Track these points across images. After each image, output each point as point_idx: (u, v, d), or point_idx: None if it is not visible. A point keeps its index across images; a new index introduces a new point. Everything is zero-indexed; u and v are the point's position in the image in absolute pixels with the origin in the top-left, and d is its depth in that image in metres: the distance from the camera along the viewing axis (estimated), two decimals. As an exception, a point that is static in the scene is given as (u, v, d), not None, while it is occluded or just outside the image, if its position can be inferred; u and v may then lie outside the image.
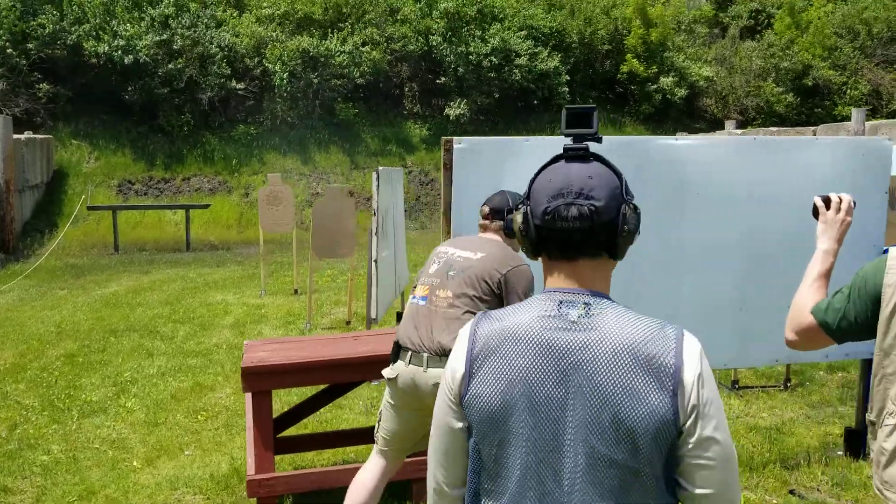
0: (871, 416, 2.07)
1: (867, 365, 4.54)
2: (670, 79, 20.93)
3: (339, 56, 19.17)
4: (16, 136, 13.90)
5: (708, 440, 1.31)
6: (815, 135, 12.53)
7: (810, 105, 21.93)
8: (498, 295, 2.96)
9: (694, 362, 1.32)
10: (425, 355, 2.92)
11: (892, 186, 6.96)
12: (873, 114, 21.48)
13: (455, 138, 3.83)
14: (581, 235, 1.35)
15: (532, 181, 1.42)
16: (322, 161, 18.52)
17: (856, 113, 12.12)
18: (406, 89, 21.57)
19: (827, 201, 2.24)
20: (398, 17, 20.94)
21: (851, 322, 2.03)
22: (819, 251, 2.21)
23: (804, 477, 4.26)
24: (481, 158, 3.86)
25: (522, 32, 20.53)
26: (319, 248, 7.75)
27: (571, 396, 1.32)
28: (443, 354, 2.87)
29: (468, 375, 1.39)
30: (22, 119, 16.14)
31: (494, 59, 19.84)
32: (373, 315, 6.07)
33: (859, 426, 4.60)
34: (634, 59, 21.20)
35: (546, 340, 1.34)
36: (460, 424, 1.43)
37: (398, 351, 3.04)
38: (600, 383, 1.31)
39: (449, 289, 2.98)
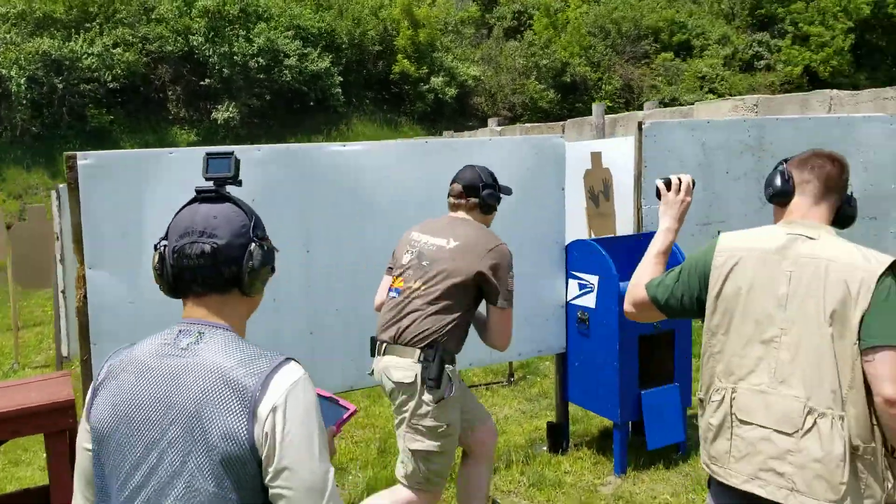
0: (700, 395, 2.14)
1: (562, 360, 4.61)
2: (440, 79, 21.37)
3: (86, 59, 17.62)
4: None
5: (284, 471, 1.30)
6: (563, 130, 13.20)
7: (571, 100, 23.37)
8: (475, 285, 2.87)
9: (278, 392, 1.31)
10: (394, 346, 2.88)
11: (605, 178, 7.28)
12: (626, 106, 23.30)
13: (79, 153, 3.32)
14: (205, 272, 1.40)
15: (171, 221, 1.46)
16: (73, 174, 16.85)
17: (596, 108, 12.90)
18: (169, 92, 20.26)
19: (668, 183, 2.32)
20: (153, 17, 19.60)
21: (678, 300, 2.13)
22: (660, 230, 2.30)
23: (503, 481, 4.21)
24: (117, 175, 3.39)
25: (290, 32, 20.01)
26: (21, 277, 6.83)
27: (170, 420, 1.33)
28: (407, 344, 2.83)
29: (90, 402, 1.43)
30: None
31: (262, 60, 19.16)
32: (64, 353, 5.37)
33: (560, 420, 4.67)
34: (405, 60, 21.41)
35: (153, 366, 1.38)
36: (89, 446, 1.44)
37: (374, 345, 3.01)
38: (191, 406, 1.32)
39: (421, 281, 2.91)
